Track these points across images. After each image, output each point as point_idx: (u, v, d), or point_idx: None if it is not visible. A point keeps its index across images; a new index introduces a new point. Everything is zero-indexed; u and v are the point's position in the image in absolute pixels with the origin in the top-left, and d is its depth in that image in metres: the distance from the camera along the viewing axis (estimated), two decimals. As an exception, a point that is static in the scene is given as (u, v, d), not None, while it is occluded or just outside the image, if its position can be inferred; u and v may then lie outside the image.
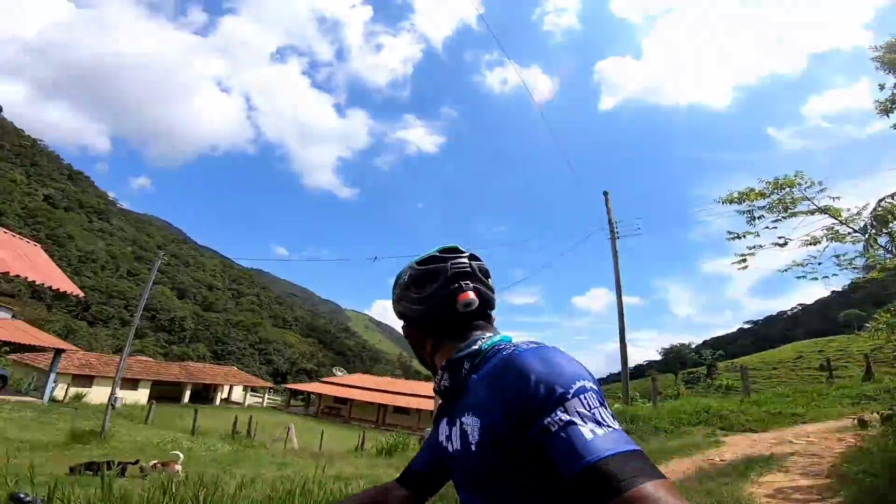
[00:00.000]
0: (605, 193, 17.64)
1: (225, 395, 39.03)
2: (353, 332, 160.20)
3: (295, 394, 44.80)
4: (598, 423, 0.62)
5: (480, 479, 0.76)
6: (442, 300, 0.89)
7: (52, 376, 21.05)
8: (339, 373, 48.07)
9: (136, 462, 7.05)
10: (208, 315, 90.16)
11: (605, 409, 0.65)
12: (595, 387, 0.67)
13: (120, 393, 22.18)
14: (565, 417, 0.62)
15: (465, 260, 0.93)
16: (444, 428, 0.89)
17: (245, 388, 40.72)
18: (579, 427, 0.61)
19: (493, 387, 0.74)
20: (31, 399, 19.73)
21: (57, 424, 14.75)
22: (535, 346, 0.75)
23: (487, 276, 0.95)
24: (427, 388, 37.10)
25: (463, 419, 0.80)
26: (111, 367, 27.41)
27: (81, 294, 8.08)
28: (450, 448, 0.85)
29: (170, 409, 26.41)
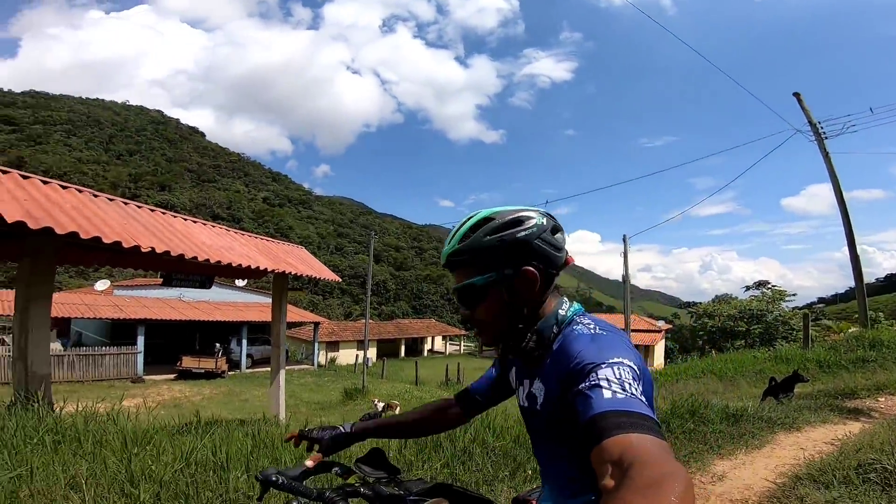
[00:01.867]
0: (797, 95, 14.68)
1: (429, 346, 45.34)
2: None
3: None
4: (622, 389, 0.69)
5: (543, 430, 0.95)
6: (528, 276, 0.90)
7: (316, 346, 27.85)
8: None
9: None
10: (401, 274, 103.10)
11: (637, 383, 0.72)
12: (633, 365, 0.74)
13: (362, 353, 28.21)
14: (594, 381, 0.70)
15: (537, 229, 0.91)
16: (518, 382, 1.04)
17: (444, 338, 46.58)
18: (602, 390, 0.68)
19: (558, 365, 0.85)
20: (306, 366, 26.56)
21: (329, 385, 19.77)
22: (594, 331, 0.86)
23: (555, 232, 0.95)
24: (613, 320, 36.63)
25: (533, 385, 0.94)
26: (349, 332, 34.47)
27: (339, 279, 10.78)
28: (520, 401, 1.03)
29: (391, 363, 31.42)
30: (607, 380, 0.70)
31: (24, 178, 4.79)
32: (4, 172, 4.64)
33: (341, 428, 1.19)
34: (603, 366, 0.73)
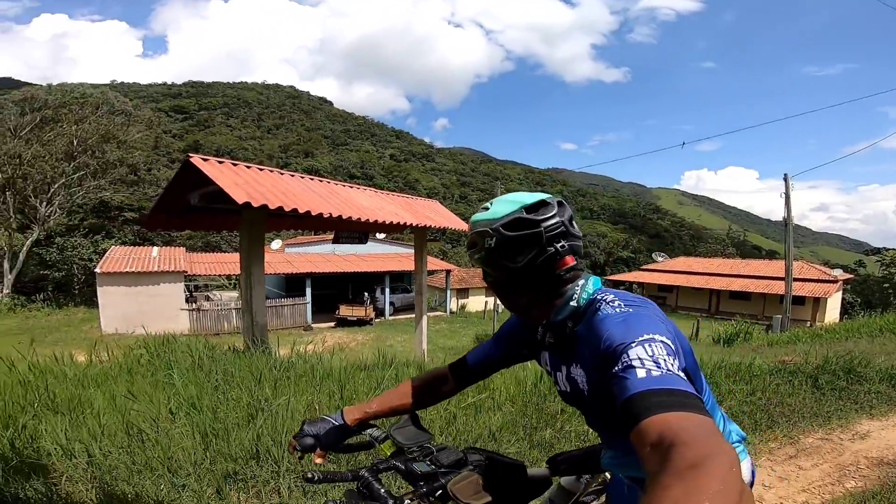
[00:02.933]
0: None
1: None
2: (665, 212, 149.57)
3: (616, 285, 46.30)
4: (656, 366, 0.68)
5: (596, 410, 0.98)
6: (539, 268, 0.92)
7: (448, 293, 30.00)
8: (659, 258, 46.37)
9: None
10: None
11: (673, 358, 0.70)
12: (665, 340, 0.74)
13: (490, 300, 29.64)
14: (626, 362, 0.70)
15: (557, 219, 0.93)
16: (554, 368, 1.04)
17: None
18: (636, 369, 0.68)
19: (589, 348, 0.85)
20: (439, 313, 28.86)
21: (461, 331, 21.45)
22: (619, 310, 0.84)
23: (573, 221, 0.96)
24: (774, 267, 32.16)
25: (571, 369, 0.95)
26: (477, 279, 36.11)
27: (468, 228, 11.72)
28: (560, 387, 1.04)
29: None
30: (639, 358, 0.70)
31: (234, 164, 6.24)
32: (220, 162, 6.10)
33: (332, 420, 1.15)
34: (633, 344, 0.73)
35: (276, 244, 31.00)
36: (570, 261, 0.94)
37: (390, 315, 26.86)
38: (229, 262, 26.93)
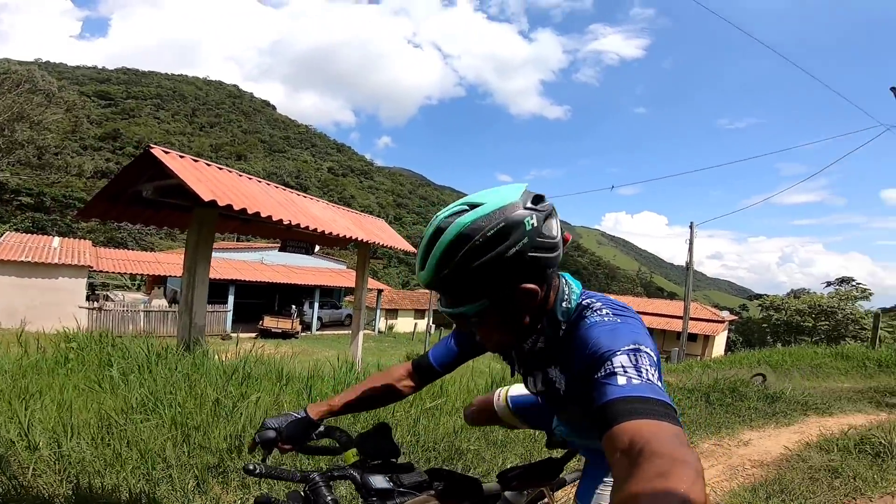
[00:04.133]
0: (894, 89, 13.83)
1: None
2: (585, 250, 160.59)
3: None
4: (637, 375, 0.70)
5: (573, 409, 1.02)
6: (525, 292, 0.85)
7: (378, 312, 29.82)
8: None
9: None
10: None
11: (654, 369, 0.72)
12: (648, 350, 0.76)
13: (419, 322, 29.88)
14: (609, 369, 0.72)
15: (540, 233, 0.82)
16: (526, 373, 1.06)
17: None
18: (617, 376, 0.70)
19: (575, 355, 0.85)
20: (367, 331, 28.56)
21: (390, 350, 21.42)
22: (608, 318, 0.84)
23: (547, 220, 0.85)
24: (673, 307, 35.82)
25: (550, 373, 0.98)
26: (407, 301, 36.26)
27: (415, 250, 12.00)
28: (530, 388, 1.07)
29: (447, 332, 33.29)
30: (623, 366, 0.72)
31: (195, 160, 6.16)
32: (181, 157, 6.00)
33: (295, 415, 1.12)
34: (619, 353, 0.74)
35: (198, 247, 29.26)
36: (545, 277, 0.90)
37: (317, 330, 26.15)
38: (139, 261, 24.88)
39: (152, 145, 5.60)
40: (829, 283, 39.76)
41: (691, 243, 18.56)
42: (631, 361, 0.73)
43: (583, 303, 0.91)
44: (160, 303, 21.78)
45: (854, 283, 37.76)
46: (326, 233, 7.51)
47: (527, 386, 1.08)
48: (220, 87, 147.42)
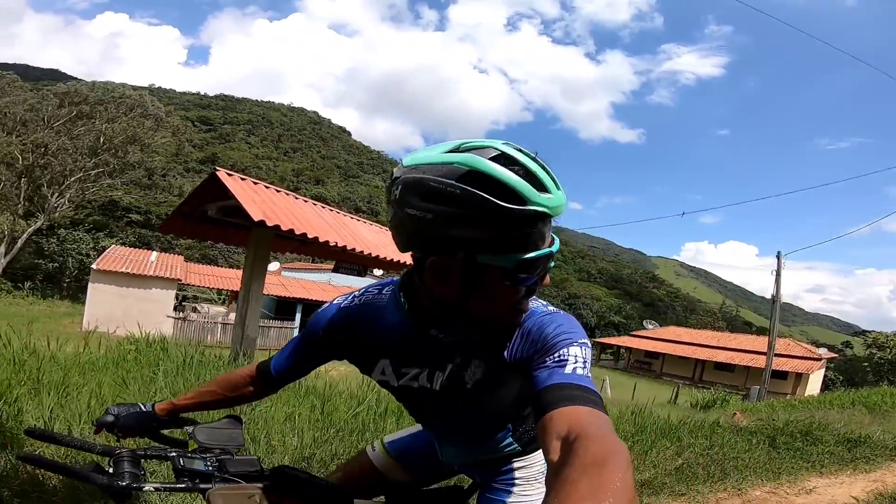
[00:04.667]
0: None
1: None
2: (662, 281, 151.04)
3: (604, 348, 45.44)
4: (583, 366, 0.74)
5: (471, 404, 0.95)
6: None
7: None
8: (649, 325, 46.91)
9: None
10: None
11: (590, 363, 0.77)
12: (590, 344, 0.80)
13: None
14: (563, 356, 0.75)
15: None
16: (418, 369, 0.95)
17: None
18: (567, 364, 0.74)
19: (523, 340, 0.84)
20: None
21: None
22: (552, 308, 0.88)
23: None
24: (760, 342, 32.50)
25: (467, 367, 0.90)
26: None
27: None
28: (421, 383, 0.95)
29: None
30: (574, 356, 0.75)
31: (255, 183, 6.71)
32: (242, 179, 6.57)
33: (140, 407, 1.08)
34: (574, 343, 0.78)
35: (274, 266, 31.26)
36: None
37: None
38: (224, 277, 27.02)
39: (218, 168, 6.20)
40: None
41: (778, 274, 16.86)
42: (581, 353, 0.76)
43: None
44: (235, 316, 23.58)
45: None
46: (375, 255, 7.75)
47: (402, 389, 0.98)
48: (301, 114, 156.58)
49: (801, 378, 27.29)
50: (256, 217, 5.49)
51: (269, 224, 5.60)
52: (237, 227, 7.32)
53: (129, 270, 19.87)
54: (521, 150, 0.76)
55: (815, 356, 29.03)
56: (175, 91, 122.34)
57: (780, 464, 4.20)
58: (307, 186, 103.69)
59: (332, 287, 28.20)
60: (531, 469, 1.12)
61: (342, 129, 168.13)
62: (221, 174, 6.03)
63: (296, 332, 23.35)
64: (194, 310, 23.51)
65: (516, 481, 1.11)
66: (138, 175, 31.75)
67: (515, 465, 1.12)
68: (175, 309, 21.37)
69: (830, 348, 38.29)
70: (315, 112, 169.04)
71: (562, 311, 0.88)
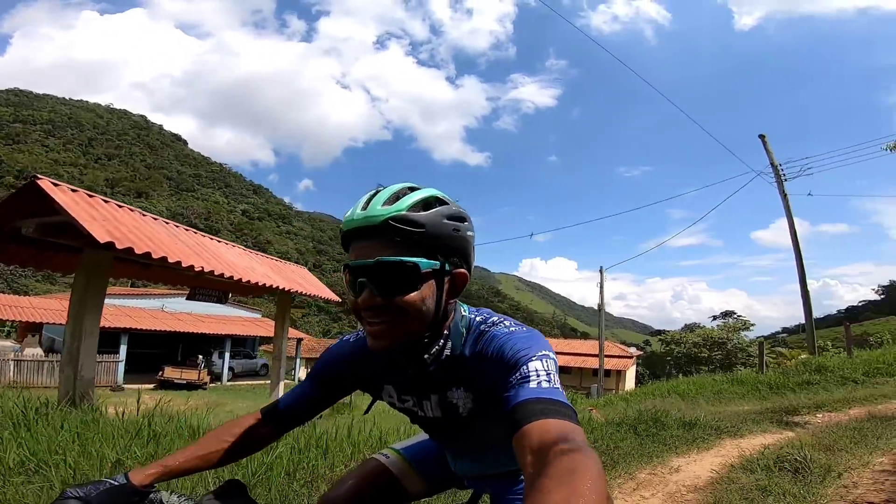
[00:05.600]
0: (762, 137, 16.43)
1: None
2: (505, 296, 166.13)
3: None
4: (547, 379, 0.75)
5: (475, 429, 0.99)
6: (461, 278, 0.87)
7: (298, 361, 27.99)
8: None
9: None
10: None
11: (557, 374, 0.78)
12: (552, 355, 0.81)
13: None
14: (525, 373, 0.76)
15: (468, 222, 0.89)
16: (411, 400, 1.00)
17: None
18: (530, 380, 0.74)
19: (485, 365, 0.85)
20: (287, 381, 26.68)
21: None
22: (515, 328, 0.88)
23: None
24: (588, 346, 37.98)
25: (449, 393, 0.94)
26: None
27: (339, 300, 11.32)
28: (422, 412, 1.00)
29: None
30: (536, 371, 0.76)
31: (90, 195, 5.46)
32: (73, 190, 5.28)
33: (112, 481, 0.84)
34: (533, 358, 0.78)
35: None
36: (467, 277, 0.88)
37: (228, 380, 23.78)
38: (13, 306, 21.74)
39: (39, 176, 4.89)
40: (714, 317, 45.27)
41: (602, 286, 20.00)
42: (543, 366, 0.77)
43: (477, 318, 0.94)
44: (35, 351, 19.18)
45: (736, 316, 43.07)
46: (243, 280, 6.96)
47: (411, 414, 1.03)
48: (123, 117, 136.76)
49: (620, 374, 32.57)
50: (102, 238, 4.45)
51: (121, 246, 4.59)
52: (61, 249, 5.84)
53: None
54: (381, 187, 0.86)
55: (628, 354, 35.10)
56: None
57: (647, 448, 4.90)
58: (126, 200, 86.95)
59: (164, 313, 24.35)
60: None
61: (176, 137, 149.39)
62: (45, 183, 4.76)
63: (121, 366, 19.67)
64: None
65: None
66: None
67: None
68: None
69: (636, 347, 46.74)
70: (142, 116, 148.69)
71: (523, 327, 0.89)
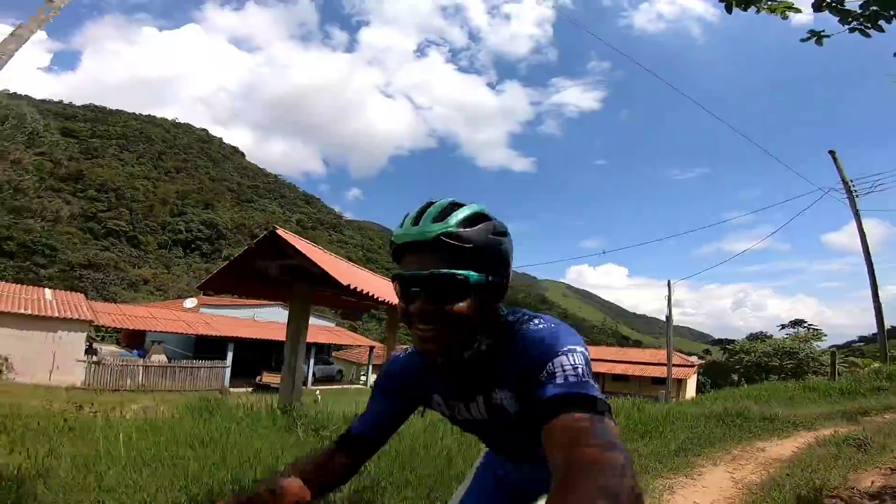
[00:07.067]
0: (832, 153, 16.09)
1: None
2: (552, 303, 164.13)
3: None
4: (574, 374, 0.76)
5: (518, 431, 0.98)
6: (503, 288, 0.92)
7: (370, 367, 30.30)
8: None
9: None
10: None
11: (588, 367, 0.80)
12: (582, 349, 0.83)
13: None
14: (550, 370, 0.78)
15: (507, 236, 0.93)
16: (460, 403, 1.03)
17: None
18: (557, 376, 0.77)
19: (518, 364, 0.88)
20: (359, 386, 28.92)
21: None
22: (543, 325, 0.90)
23: None
24: (646, 354, 38.19)
25: (494, 395, 0.96)
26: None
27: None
28: (470, 415, 1.03)
29: None
30: (562, 366, 0.78)
31: (310, 243, 7.34)
32: (300, 239, 7.03)
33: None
34: (559, 354, 0.81)
35: (191, 302, 29.12)
36: (507, 286, 0.94)
37: (311, 385, 26.32)
38: (137, 316, 24.47)
39: (277, 226, 6.73)
40: (783, 326, 44.44)
41: (669, 299, 20.92)
42: (569, 361, 0.80)
43: (510, 319, 0.96)
44: (160, 358, 21.90)
45: (806, 325, 42.05)
46: (388, 301, 7.77)
47: (462, 421, 1.07)
48: (188, 131, 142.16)
49: (681, 383, 32.77)
50: (345, 282, 6.20)
51: (358, 290, 6.41)
52: (275, 283, 7.76)
53: (27, 311, 17.53)
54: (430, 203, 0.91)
55: (690, 363, 35.17)
56: (32, 98, 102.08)
57: (735, 434, 6.30)
58: (195, 211, 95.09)
59: (256, 322, 27.18)
60: None
61: (235, 150, 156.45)
62: (286, 235, 6.67)
63: (228, 371, 22.42)
64: (93, 350, 21.32)
65: None
66: (5, 195, 27.01)
67: None
68: (86, 352, 19.27)
69: (697, 356, 46.30)
70: (204, 130, 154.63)
71: (552, 324, 0.92)
